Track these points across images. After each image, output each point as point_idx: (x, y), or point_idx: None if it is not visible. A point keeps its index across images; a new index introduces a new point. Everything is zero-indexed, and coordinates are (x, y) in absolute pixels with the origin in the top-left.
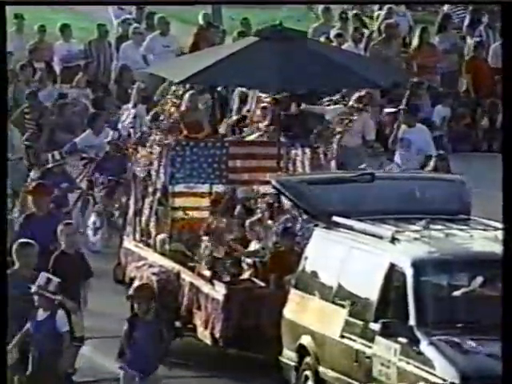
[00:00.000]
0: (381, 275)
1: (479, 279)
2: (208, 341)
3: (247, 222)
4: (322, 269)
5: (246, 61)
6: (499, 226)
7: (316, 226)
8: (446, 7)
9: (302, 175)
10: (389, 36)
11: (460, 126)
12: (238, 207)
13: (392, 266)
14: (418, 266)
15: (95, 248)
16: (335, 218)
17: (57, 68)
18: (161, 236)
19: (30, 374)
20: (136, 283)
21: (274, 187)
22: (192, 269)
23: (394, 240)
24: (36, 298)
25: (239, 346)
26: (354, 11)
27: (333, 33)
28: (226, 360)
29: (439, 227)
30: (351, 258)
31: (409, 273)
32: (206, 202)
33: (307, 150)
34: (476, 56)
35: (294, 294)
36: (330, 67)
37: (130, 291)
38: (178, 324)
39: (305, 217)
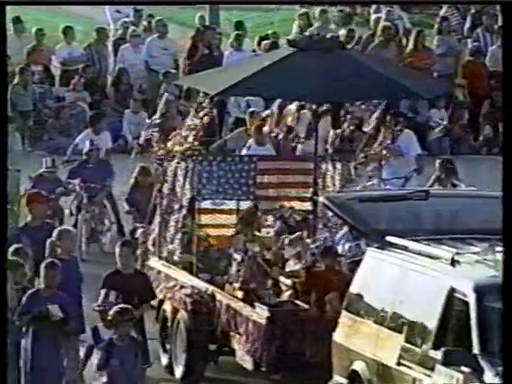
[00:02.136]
0: (440, 300)
1: None
2: (249, 365)
3: (287, 240)
4: (376, 291)
5: (285, 72)
6: None
7: (357, 244)
8: (443, 10)
9: (352, 192)
10: (387, 39)
11: (456, 129)
12: (278, 223)
13: (452, 290)
14: (482, 290)
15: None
16: (389, 238)
17: (56, 71)
18: (170, 246)
19: None
20: (116, 307)
21: (323, 204)
22: (222, 287)
23: (453, 262)
24: (99, 316)
25: (283, 371)
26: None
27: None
28: None
29: (501, 249)
30: (407, 281)
31: (472, 298)
32: (233, 219)
33: (338, 165)
34: (473, 60)
35: (345, 317)
36: (371, 78)
37: (111, 315)
38: (212, 347)
39: (348, 235)
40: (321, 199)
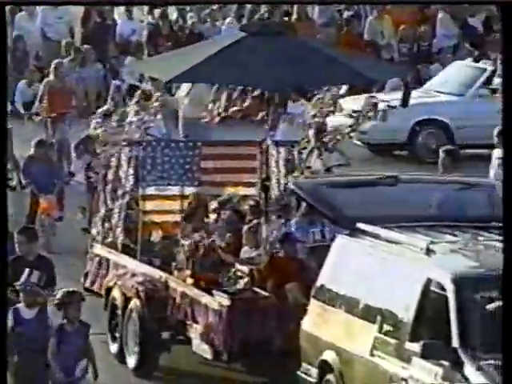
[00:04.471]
0: (416, 290)
1: None
2: (208, 355)
3: (245, 228)
4: (346, 279)
5: (236, 58)
6: None
7: (321, 230)
8: None
9: (321, 178)
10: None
11: None
12: (228, 212)
13: (429, 281)
14: (461, 281)
15: None
16: (360, 225)
17: None
18: (114, 233)
19: (21, 373)
20: (64, 289)
21: (292, 190)
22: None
23: (429, 252)
24: (21, 295)
25: (244, 359)
26: None
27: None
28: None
29: (480, 238)
30: (380, 270)
31: (450, 289)
32: (177, 204)
33: (282, 150)
34: (350, 30)
35: (314, 306)
36: (325, 63)
37: (58, 297)
38: (165, 336)
39: (302, 221)
40: (290, 185)
